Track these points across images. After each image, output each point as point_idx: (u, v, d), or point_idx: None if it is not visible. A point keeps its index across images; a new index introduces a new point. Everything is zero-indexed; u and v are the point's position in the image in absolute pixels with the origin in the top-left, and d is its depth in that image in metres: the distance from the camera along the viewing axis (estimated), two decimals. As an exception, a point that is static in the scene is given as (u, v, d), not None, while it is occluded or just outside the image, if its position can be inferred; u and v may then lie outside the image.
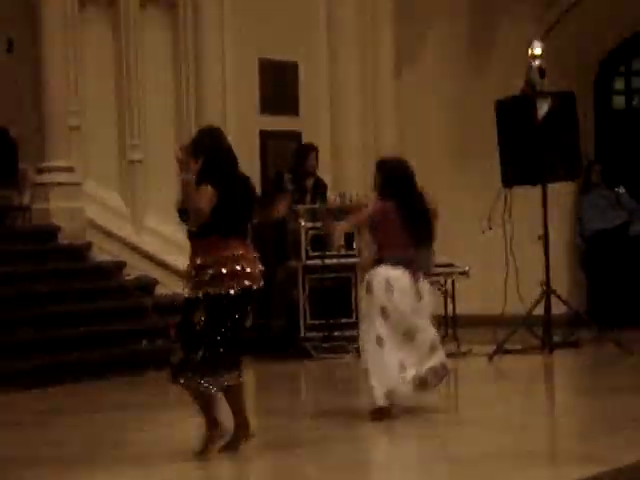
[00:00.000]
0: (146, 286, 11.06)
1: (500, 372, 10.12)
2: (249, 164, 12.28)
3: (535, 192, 10.82)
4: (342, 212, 11.08)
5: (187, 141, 6.76)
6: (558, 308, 10.84)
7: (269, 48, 12.33)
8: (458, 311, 11.15)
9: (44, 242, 11.04)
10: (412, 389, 7.46)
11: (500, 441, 6.87)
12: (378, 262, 7.59)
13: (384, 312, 7.43)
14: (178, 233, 9.73)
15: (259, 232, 12.06)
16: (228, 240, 6.46)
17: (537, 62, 10.79)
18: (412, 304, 7.49)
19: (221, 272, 6.38)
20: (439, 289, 10.95)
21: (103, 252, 11.23)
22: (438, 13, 13.20)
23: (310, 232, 11.06)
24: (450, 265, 11.06)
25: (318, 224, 11.02)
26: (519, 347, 10.54)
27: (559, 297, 10.78)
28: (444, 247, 11.13)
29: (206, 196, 6.40)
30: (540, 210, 10.74)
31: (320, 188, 11.60)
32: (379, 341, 7.41)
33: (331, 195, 11.63)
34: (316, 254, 11.05)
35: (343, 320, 11.02)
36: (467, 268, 11.09)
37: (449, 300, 11.05)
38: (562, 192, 12.16)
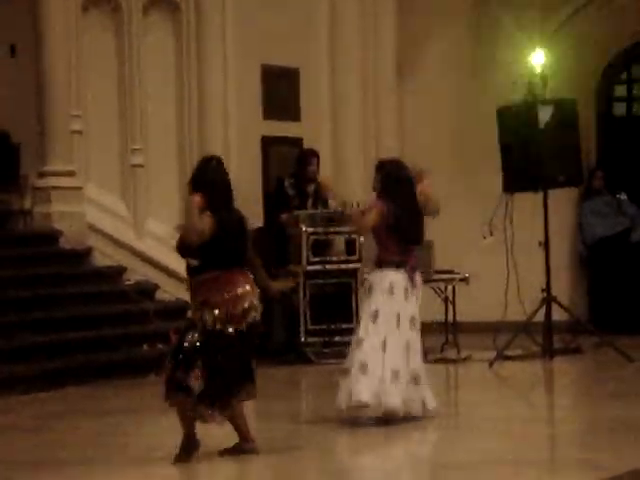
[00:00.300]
0: (147, 290, 11.06)
1: (500, 378, 10.11)
2: (251, 170, 12.34)
3: (536, 199, 10.82)
4: (343, 218, 11.12)
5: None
6: (559, 314, 10.84)
7: (271, 54, 12.35)
8: (458, 317, 11.15)
9: (45, 246, 11.04)
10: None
11: (500, 447, 6.87)
12: (379, 264, 7.61)
13: (376, 316, 7.49)
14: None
15: (260, 237, 12.09)
16: (232, 273, 6.47)
17: (539, 69, 10.81)
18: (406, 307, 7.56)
19: (229, 313, 6.42)
20: (439, 295, 10.95)
21: (104, 256, 11.23)
22: (440, 20, 13.21)
23: (311, 237, 11.07)
24: (451, 271, 11.06)
25: (319, 229, 11.03)
26: (519, 353, 10.54)
27: (560, 304, 10.77)
28: (445, 253, 11.19)
29: (207, 223, 6.44)
30: (541, 217, 10.74)
31: (321, 194, 11.61)
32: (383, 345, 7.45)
33: (332, 201, 11.63)
34: (317, 259, 11.05)
35: (344, 325, 11.00)
36: (467, 275, 11.09)
37: (449, 306, 11.05)
38: (563, 199, 12.16)
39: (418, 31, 13.28)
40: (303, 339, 10.97)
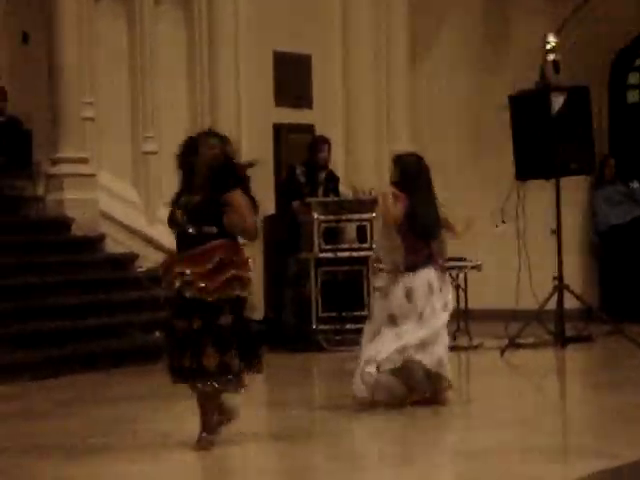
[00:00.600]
0: (159, 277, 11.05)
1: (512, 366, 10.11)
2: (263, 157, 12.31)
3: (549, 186, 10.81)
4: (355, 204, 11.13)
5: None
6: (571, 302, 10.83)
7: (283, 41, 12.33)
8: (470, 305, 11.14)
9: (57, 233, 11.07)
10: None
11: (511, 435, 6.87)
12: (413, 267, 7.61)
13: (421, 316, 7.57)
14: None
15: (272, 224, 12.11)
16: (236, 243, 6.46)
17: (551, 56, 10.77)
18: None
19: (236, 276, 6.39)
20: (451, 283, 10.95)
21: (116, 244, 11.26)
22: (453, 7, 13.18)
23: (322, 225, 11.07)
24: (463, 259, 11.06)
25: (331, 217, 11.04)
26: (531, 341, 10.54)
27: (572, 292, 10.76)
28: (457, 241, 11.16)
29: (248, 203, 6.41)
30: (553, 204, 10.73)
31: (332, 181, 11.61)
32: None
33: (343, 189, 11.63)
34: (328, 247, 11.06)
35: (355, 313, 11.02)
36: (480, 262, 11.08)
37: (461, 294, 11.05)
38: (576, 187, 12.14)
39: (431, 17, 13.25)
40: (314, 326, 10.98)
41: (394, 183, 7.72)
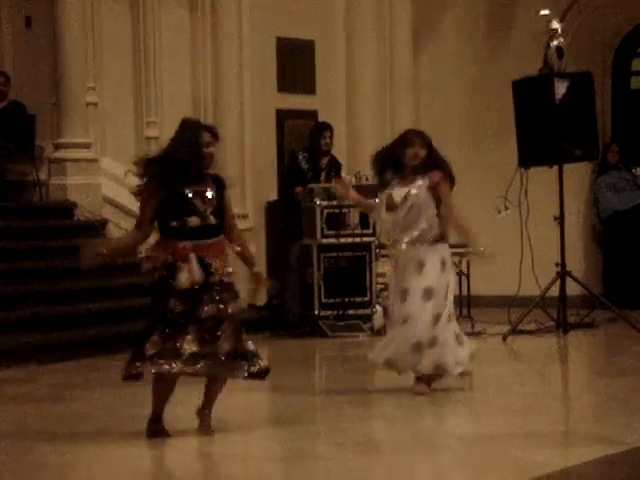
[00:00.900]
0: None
1: (514, 352, 10.13)
2: (266, 143, 12.33)
3: (552, 173, 10.80)
4: (358, 190, 11.12)
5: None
6: (573, 289, 10.84)
7: (287, 27, 12.32)
8: (473, 291, 11.15)
9: (60, 218, 11.08)
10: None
11: (513, 421, 6.89)
12: (442, 237, 7.63)
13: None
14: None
15: (274, 210, 12.11)
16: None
17: (555, 43, 10.76)
18: None
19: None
20: (455, 269, 10.94)
21: (119, 228, 11.26)
22: (456, -8, 13.16)
23: (325, 211, 11.07)
24: (465, 245, 11.05)
25: (333, 203, 11.04)
26: (534, 328, 10.55)
27: (574, 278, 10.77)
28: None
29: None
30: (556, 191, 10.72)
31: (335, 167, 11.60)
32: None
33: (346, 175, 11.62)
34: (331, 233, 11.06)
35: (358, 299, 11.04)
36: (482, 249, 11.08)
37: (464, 280, 11.06)
38: (579, 173, 12.14)
39: (434, 2, 13.22)
40: (317, 312, 11.00)
41: (424, 162, 7.69)
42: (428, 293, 7.50)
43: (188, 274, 6.32)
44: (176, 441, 6.48)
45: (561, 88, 10.63)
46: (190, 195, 6.40)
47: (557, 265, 10.65)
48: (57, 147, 11.25)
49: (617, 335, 10.56)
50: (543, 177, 10.89)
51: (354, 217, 11.20)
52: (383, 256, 10.83)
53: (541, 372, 9.22)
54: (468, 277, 11.11)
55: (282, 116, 12.38)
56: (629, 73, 13.46)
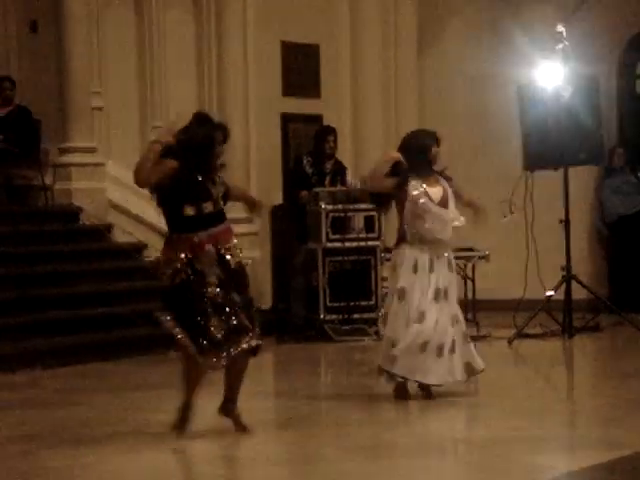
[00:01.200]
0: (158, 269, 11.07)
1: (520, 356, 10.12)
2: (271, 147, 12.34)
3: (557, 176, 10.79)
4: (363, 194, 11.13)
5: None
6: (579, 293, 10.82)
7: (291, 30, 12.32)
8: (478, 295, 11.14)
9: (66, 222, 11.09)
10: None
11: (518, 425, 6.88)
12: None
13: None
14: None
15: (280, 214, 12.11)
16: None
17: (560, 46, 10.75)
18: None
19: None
20: (459, 273, 10.94)
21: (124, 233, 11.27)
22: (461, -5, 13.16)
23: (330, 215, 11.08)
24: (470, 249, 11.06)
25: (338, 206, 11.04)
26: (539, 331, 10.53)
27: (580, 282, 10.76)
28: (464, 231, 11.15)
29: None
30: (561, 195, 10.72)
31: (340, 171, 11.61)
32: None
33: (351, 178, 11.63)
34: (336, 237, 11.06)
35: (363, 303, 11.03)
36: (487, 252, 11.08)
37: (469, 284, 11.05)
38: (584, 176, 12.12)
39: (439, 6, 13.22)
40: (322, 316, 10.99)
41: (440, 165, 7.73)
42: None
43: (214, 275, 6.35)
44: (180, 445, 6.48)
45: (566, 92, 10.62)
46: (203, 180, 6.44)
47: (563, 269, 10.64)
48: (62, 152, 11.26)
49: (623, 339, 10.54)
50: (548, 181, 10.88)
51: (359, 221, 11.20)
52: (388, 260, 10.82)
53: (547, 376, 9.21)
54: (473, 281, 11.10)
55: (287, 120, 12.39)
56: (635, 76, 13.45)
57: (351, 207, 11.13)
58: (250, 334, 6.42)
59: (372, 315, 10.98)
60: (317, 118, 12.43)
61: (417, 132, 7.87)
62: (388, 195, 7.66)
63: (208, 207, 6.45)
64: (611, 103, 12.92)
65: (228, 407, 6.58)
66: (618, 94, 13.21)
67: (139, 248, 11.21)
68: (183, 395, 6.61)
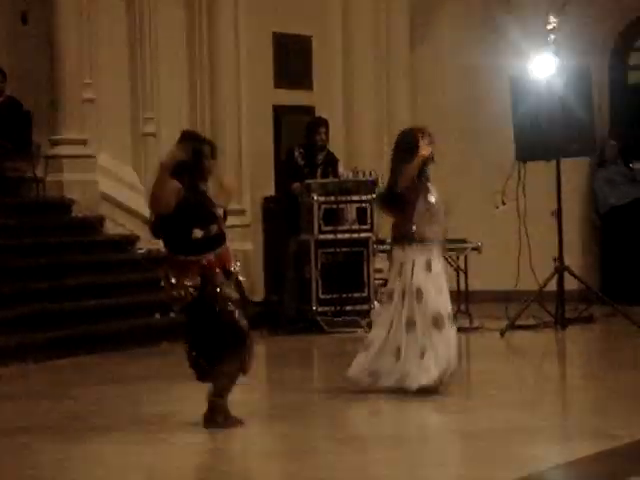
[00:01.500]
0: (159, 259, 11.04)
1: (512, 348, 10.12)
2: (263, 139, 12.31)
3: (549, 167, 10.79)
4: (355, 186, 11.12)
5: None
6: (571, 284, 10.83)
7: (283, 22, 12.29)
8: (470, 287, 11.15)
9: (57, 215, 11.06)
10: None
11: (511, 416, 6.88)
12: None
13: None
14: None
15: (272, 206, 12.10)
16: None
17: (552, 37, 10.74)
18: None
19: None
20: (452, 265, 10.94)
21: (116, 225, 11.25)
22: (453, -13, 13.15)
23: (322, 206, 11.06)
24: (463, 241, 11.05)
25: (331, 198, 11.03)
26: (531, 323, 10.54)
27: (572, 273, 10.76)
28: (457, 222, 11.17)
29: None
30: (554, 186, 10.72)
31: (331, 162, 11.59)
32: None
33: (343, 170, 11.61)
34: (328, 228, 11.05)
35: (355, 294, 11.02)
36: (480, 244, 11.08)
37: (462, 276, 11.05)
38: (576, 168, 12.13)
39: (431, -2, 13.21)
40: (315, 308, 10.98)
41: None
42: None
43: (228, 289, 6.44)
44: (174, 437, 6.47)
45: (558, 83, 10.61)
46: (207, 202, 6.47)
47: (555, 260, 10.65)
48: (54, 144, 11.23)
49: (615, 330, 10.55)
50: (541, 172, 10.88)
51: (351, 213, 11.18)
52: (381, 252, 10.82)
53: (539, 367, 9.21)
54: (466, 273, 11.10)
55: (279, 112, 12.36)
56: (627, 68, 13.45)
57: (343, 199, 11.12)
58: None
59: (364, 307, 10.98)
60: (309, 110, 12.41)
61: (411, 131, 7.76)
62: (402, 197, 7.53)
63: (214, 229, 6.48)
64: (603, 94, 12.92)
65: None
66: (610, 85, 13.21)
67: (131, 240, 11.18)
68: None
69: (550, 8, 11.52)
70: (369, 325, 10.67)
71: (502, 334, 10.30)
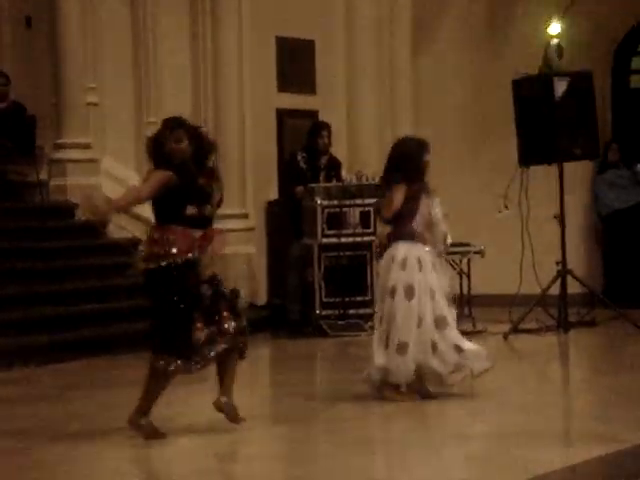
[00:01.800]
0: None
1: (515, 351, 10.13)
2: (266, 142, 12.33)
3: (552, 172, 10.80)
4: (358, 190, 11.13)
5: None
6: (574, 287, 10.84)
7: (286, 26, 12.31)
8: (473, 290, 11.15)
9: (61, 218, 11.08)
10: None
11: (514, 420, 6.89)
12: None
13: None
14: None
15: (275, 209, 12.11)
16: None
17: (555, 41, 10.76)
18: None
19: None
20: (454, 268, 10.95)
21: (119, 229, 11.26)
22: (456, -9, 13.16)
23: (326, 210, 11.08)
24: (466, 244, 11.06)
25: (334, 202, 11.05)
26: (534, 326, 10.54)
27: (575, 276, 10.77)
28: (460, 226, 11.18)
29: None
30: (556, 190, 10.72)
31: (334, 166, 11.61)
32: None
33: (346, 174, 11.63)
34: (332, 232, 11.06)
35: (358, 298, 11.04)
36: (483, 247, 11.09)
37: (465, 279, 11.06)
38: (579, 171, 12.13)
39: (434, 1, 13.21)
40: (318, 312, 10.99)
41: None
42: None
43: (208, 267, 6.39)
44: (176, 440, 6.48)
45: (561, 87, 10.63)
46: (203, 184, 6.48)
47: (558, 264, 10.65)
48: (57, 147, 11.26)
49: (618, 333, 10.55)
50: (543, 176, 10.89)
51: (355, 216, 11.20)
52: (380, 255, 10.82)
53: (542, 371, 9.21)
54: (469, 276, 11.10)
55: (282, 116, 12.38)
56: (629, 71, 13.46)
57: (347, 202, 11.13)
58: (231, 335, 6.43)
59: (368, 310, 10.99)
60: (312, 114, 12.43)
61: (408, 140, 7.70)
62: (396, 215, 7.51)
63: (208, 210, 6.50)
64: (606, 98, 12.93)
65: (220, 402, 6.58)
66: (612, 89, 13.23)
67: (134, 243, 11.16)
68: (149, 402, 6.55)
69: (553, 12, 11.54)
70: (372, 328, 10.69)
71: (505, 337, 10.31)
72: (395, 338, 7.34)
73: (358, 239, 11.12)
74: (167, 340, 6.39)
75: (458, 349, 7.42)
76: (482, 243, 11.12)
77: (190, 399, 7.21)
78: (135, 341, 9.84)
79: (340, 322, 10.95)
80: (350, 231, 11.12)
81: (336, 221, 11.10)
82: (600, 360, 9.85)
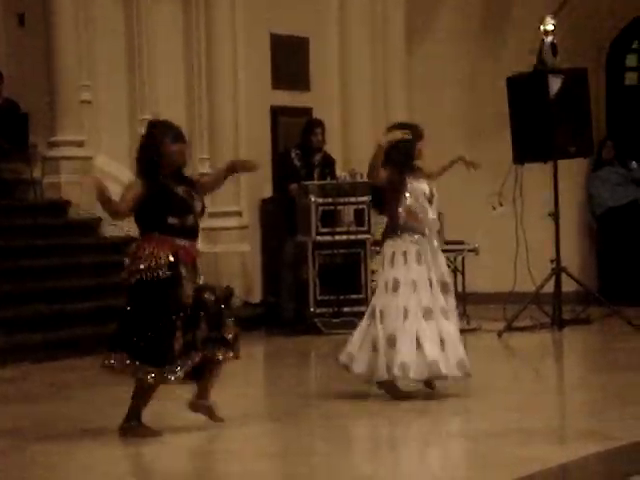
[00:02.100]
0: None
1: (509, 349, 10.13)
2: (260, 140, 12.31)
3: (546, 169, 10.80)
4: (353, 187, 11.13)
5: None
6: (568, 285, 10.84)
7: (280, 23, 12.30)
8: (468, 288, 11.15)
9: (54, 216, 11.06)
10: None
11: (508, 418, 6.89)
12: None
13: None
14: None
15: (269, 207, 12.10)
16: None
17: (549, 39, 10.75)
18: None
19: None
20: (449, 266, 10.94)
21: (113, 226, 11.24)
22: (450, -12, 13.15)
23: (320, 208, 11.07)
24: (460, 242, 11.06)
25: (328, 200, 11.04)
26: (529, 324, 10.55)
27: (569, 274, 10.77)
28: (454, 224, 11.18)
29: None
30: (551, 187, 10.72)
31: (328, 163, 11.60)
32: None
33: (341, 172, 11.62)
34: (326, 230, 11.06)
35: (353, 296, 11.03)
36: (477, 245, 11.09)
37: (459, 277, 11.05)
38: (574, 169, 12.14)
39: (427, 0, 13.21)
40: (312, 310, 10.99)
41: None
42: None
43: (190, 282, 6.38)
44: (170, 439, 6.47)
45: (555, 84, 10.63)
46: (184, 195, 6.47)
47: (552, 261, 10.65)
48: (51, 145, 11.24)
49: (612, 331, 10.56)
50: (538, 174, 10.89)
51: (349, 214, 11.19)
52: (378, 253, 10.82)
53: (536, 368, 9.22)
54: (463, 274, 11.10)
55: (276, 113, 12.37)
56: (624, 69, 13.47)
57: (341, 200, 11.13)
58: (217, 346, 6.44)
59: (362, 308, 10.97)
60: (307, 111, 12.41)
61: (402, 142, 7.76)
62: (384, 196, 7.68)
63: (190, 220, 6.49)
64: (600, 96, 12.93)
65: (197, 404, 6.58)
66: (607, 86, 13.23)
67: (128, 242, 11.15)
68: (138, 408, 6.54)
69: (547, 9, 11.53)
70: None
71: (499, 335, 10.31)
72: (385, 333, 7.35)
73: (352, 237, 11.11)
74: (145, 350, 6.37)
75: (442, 344, 7.40)
76: (476, 241, 11.12)
77: (185, 397, 7.19)
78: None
79: (334, 320, 10.95)
80: (344, 229, 11.11)
81: (330, 219, 11.10)
82: (594, 358, 9.86)
